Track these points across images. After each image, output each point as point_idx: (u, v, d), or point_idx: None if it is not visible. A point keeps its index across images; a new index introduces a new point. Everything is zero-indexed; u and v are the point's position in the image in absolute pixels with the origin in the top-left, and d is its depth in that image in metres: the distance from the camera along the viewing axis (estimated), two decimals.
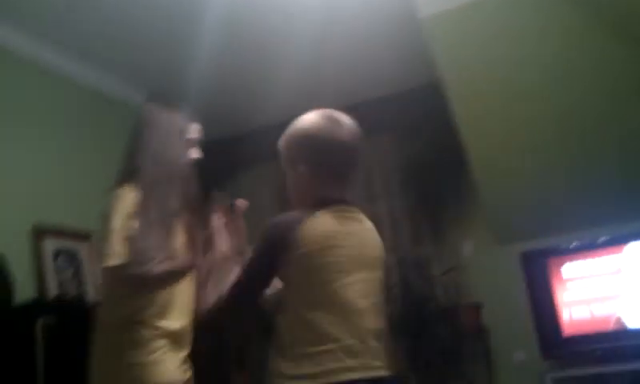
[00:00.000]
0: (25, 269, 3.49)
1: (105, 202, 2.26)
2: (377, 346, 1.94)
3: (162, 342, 2.24)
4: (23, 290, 3.31)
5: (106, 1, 3.63)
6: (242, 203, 2.37)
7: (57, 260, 3.72)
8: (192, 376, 2.39)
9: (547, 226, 4.62)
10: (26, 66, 3.88)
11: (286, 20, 3.99)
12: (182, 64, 4.41)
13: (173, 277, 2.26)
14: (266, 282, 1.91)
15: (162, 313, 2.26)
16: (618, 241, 4.32)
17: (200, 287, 2.34)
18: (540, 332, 4.38)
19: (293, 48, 4.29)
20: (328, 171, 1.96)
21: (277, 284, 1.91)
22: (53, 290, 3.60)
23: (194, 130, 2.43)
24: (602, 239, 4.38)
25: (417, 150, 5.11)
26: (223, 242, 2.28)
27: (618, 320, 4.22)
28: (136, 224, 2.14)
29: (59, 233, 3.78)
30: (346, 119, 2.02)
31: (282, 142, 2.05)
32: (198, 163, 2.48)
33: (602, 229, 4.42)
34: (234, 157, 5.59)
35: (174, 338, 2.30)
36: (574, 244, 4.46)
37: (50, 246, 3.70)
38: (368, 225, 2.06)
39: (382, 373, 1.92)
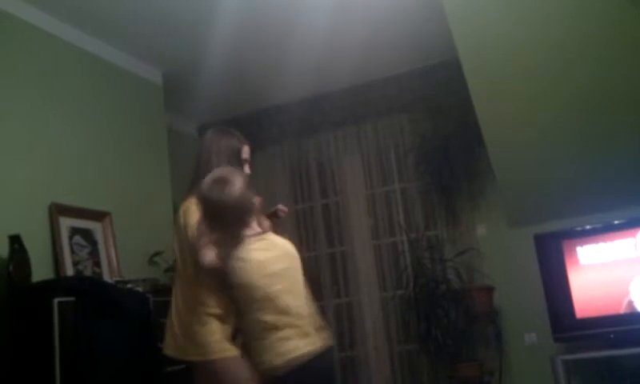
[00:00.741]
0: (41, 248, 3.54)
1: (177, 215, 2.70)
2: None
3: None
4: (40, 269, 3.36)
5: None
6: (283, 209, 2.93)
7: (73, 239, 3.77)
8: None
9: (561, 209, 4.60)
10: (49, 43, 3.91)
11: None
12: (200, 44, 4.44)
13: None
14: None
15: None
16: (631, 224, 4.31)
17: None
18: (552, 315, 4.39)
19: (309, 26, 4.29)
20: None
21: None
22: (69, 269, 3.65)
23: (246, 151, 2.81)
24: (616, 222, 4.36)
25: (432, 131, 5.10)
26: None
27: (630, 303, 4.21)
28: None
29: (76, 212, 3.82)
30: None
31: None
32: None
33: (615, 212, 4.41)
34: (249, 137, 5.60)
35: None
36: (588, 227, 4.45)
37: (66, 225, 3.74)
38: None
39: None
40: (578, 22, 3.70)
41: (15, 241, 3.21)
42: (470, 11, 3.77)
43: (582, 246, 4.41)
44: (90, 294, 3.20)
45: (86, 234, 3.88)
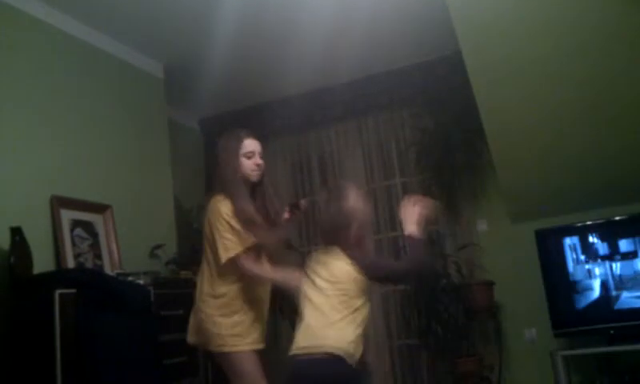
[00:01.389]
0: (43, 240, 3.55)
1: (205, 210, 2.93)
2: None
3: None
4: (41, 261, 3.37)
5: None
6: (305, 203, 3.12)
7: (74, 232, 3.77)
8: None
9: (562, 205, 4.60)
10: (50, 35, 3.90)
11: None
12: (201, 37, 4.43)
13: None
14: None
15: None
16: (632, 220, 4.31)
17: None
18: (552, 310, 4.39)
19: (311, 20, 4.28)
20: None
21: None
22: (70, 262, 3.66)
23: (247, 146, 2.98)
24: (617, 218, 4.36)
25: (433, 126, 5.09)
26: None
27: (630, 299, 4.21)
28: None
29: (77, 205, 3.83)
30: None
31: None
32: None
33: (616, 209, 4.41)
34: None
35: None
36: (589, 223, 4.45)
37: (67, 217, 3.75)
38: None
39: None
40: (578, 20, 3.69)
41: (16, 233, 3.22)
42: (474, 9, 3.76)
43: (582, 241, 4.41)
44: (92, 286, 3.20)
45: (87, 227, 3.89)
